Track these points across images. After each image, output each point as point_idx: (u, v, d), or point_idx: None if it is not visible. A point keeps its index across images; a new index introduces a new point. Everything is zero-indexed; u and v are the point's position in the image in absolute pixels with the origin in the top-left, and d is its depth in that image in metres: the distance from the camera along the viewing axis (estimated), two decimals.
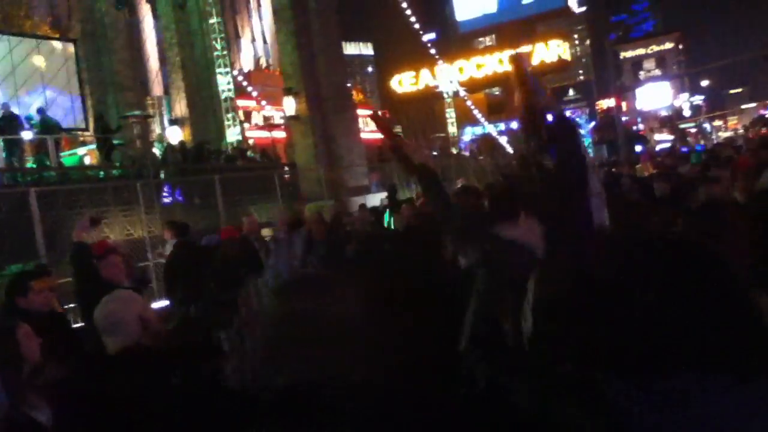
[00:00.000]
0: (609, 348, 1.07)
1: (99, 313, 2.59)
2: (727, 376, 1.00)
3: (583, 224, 1.90)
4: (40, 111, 15.93)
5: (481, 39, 61.27)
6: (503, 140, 40.86)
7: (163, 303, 8.17)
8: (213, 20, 23.34)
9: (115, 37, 20.04)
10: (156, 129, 23.26)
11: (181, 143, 19.55)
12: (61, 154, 16.25)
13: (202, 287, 3.51)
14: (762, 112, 70.87)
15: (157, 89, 24.76)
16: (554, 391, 1.17)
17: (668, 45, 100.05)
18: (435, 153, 34.52)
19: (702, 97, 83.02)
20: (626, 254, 1.16)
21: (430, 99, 45.14)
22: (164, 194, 14.16)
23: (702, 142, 52.81)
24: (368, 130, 33.38)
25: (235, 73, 25.77)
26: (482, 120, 41.20)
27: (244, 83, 26.25)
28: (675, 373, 1.02)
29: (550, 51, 42.64)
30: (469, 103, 39.92)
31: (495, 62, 43.80)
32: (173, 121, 23.41)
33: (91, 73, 20.36)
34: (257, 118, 27.53)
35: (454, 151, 37.70)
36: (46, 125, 15.21)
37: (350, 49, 68.26)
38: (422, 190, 3.99)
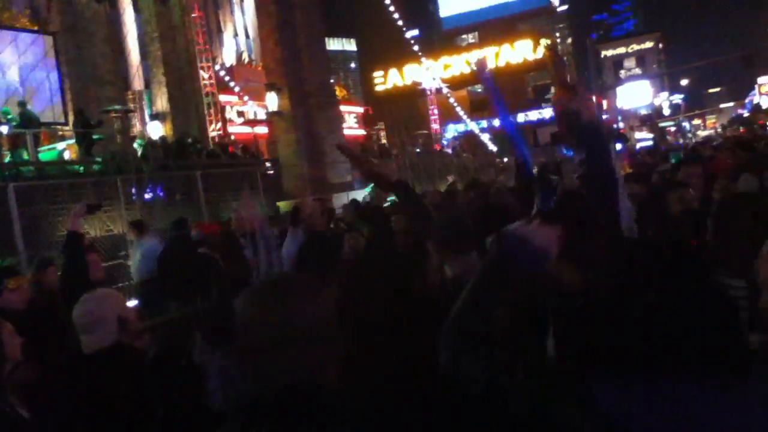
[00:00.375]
0: (609, 348, 1.08)
1: (78, 311, 2.55)
2: (725, 377, 1.01)
3: (611, 221, 1.94)
4: (21, 104, 15.68)
5: (464, 36, 61.46)
6: (485, 138, 40.97)
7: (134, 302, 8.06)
8: (195, 14, 23.12)
9: (96, 30, 19.76)
10: (137, 124, 23.00)
11: (162, 138, 19.36)
12: (40, 148, 16.01)
13: (200, 284, 3.47)
14: (740, 111, 71.83)
15: (137, 84, 24.49)
16: (554, 391, 1.17)
17: (648, 44, 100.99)
18: (418, 150, 34.55)
19: (681, 96, 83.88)
20: (627, 259, 1.17)
21: (413, 95, 45.15)
22: (145, 190, 14.04)
23: (681, 141, 53.34)
24: (350, 127, 33.34)
25: (217, 68, 25.55)
26: (465, 117, 41.29)
27: (227, 78, 26.03)
28: (674, 374, 1.03)
29: (516, 51, 43.57)
30: (451, 100, 39.98)
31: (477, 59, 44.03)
32: (154, 116, 23.18)
33: (70, 66, 20.06)
34: (231, 113, 27.20)
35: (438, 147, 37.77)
36: (26, 119, 14.98)
37: (333, 44, 68.00)
38: (401, 205, 3.98)
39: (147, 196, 14.07)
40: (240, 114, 27.31)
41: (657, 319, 1.09)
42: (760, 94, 72.14)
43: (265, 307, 1.28)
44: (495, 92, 2.54)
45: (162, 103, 23.15)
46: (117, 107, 18.28)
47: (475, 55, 44.70)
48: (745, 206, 2.44)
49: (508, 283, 1.31)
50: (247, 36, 32.02)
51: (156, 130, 21.43)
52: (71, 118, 18.97)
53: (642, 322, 1.09)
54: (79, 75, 19.77)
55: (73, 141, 16.86)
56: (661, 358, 1.07)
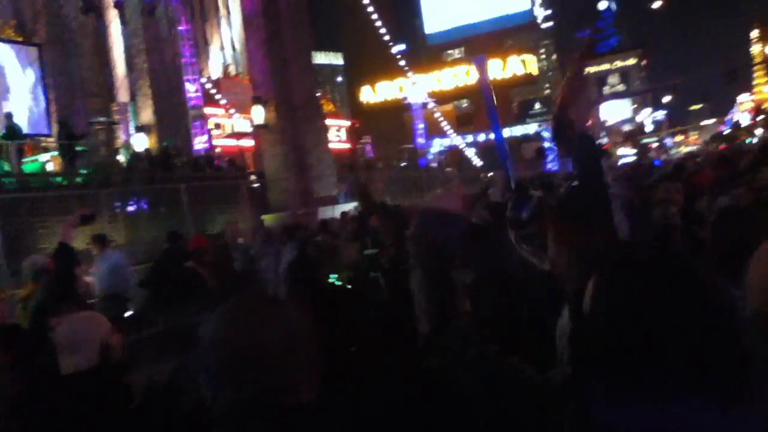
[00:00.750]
0: (607, 352, 1.07)
1: (62, 330, 2.48)
2: (725, 387, 1.01)
3: (607, 238, 1.91)
4: (8, 117, 15.52)
5: (450, 51, 61.92)
6: (471, 152, 41.18)
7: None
8: (182, 27, 23.08)
9: (82, 42, 19.68)
10: (121, 136, 22.85)
11: (147, 151, 19.23)
12: (23, 160, 15.85)
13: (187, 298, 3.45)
14: (721, 128, 72.86)
15: (123, 95, 24.35)
16: (550, 397, 1.17)
17: (632, 61, 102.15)
18: (404, 164, 34.65)
19: (664, 112, 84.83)
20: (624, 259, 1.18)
21: (400, 110, 45.34)
22: (130, 203, 13.93)
23: (662, 157, 53.97)
24: (337, 140, 33.35)
25: (204, 80, 25.48)
26: (450, 132, 41.48)
27: (213, 91, 25.96)
28: (671, 374, 1.02)
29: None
30: (437, 114, 40.17)
31: (463, 74, 44.23)
32: (140, 128, 23.03)
33: (56, 77, 19.93)
34: (210, 125, 26.90)
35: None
36: (12, 132, 14.83)
37: (320, 58, 68.20)
38: (385, 231, 4.10)
39: (131, 208, 13.96)
40: (217, 126, 27.09)
41: (654, 322, 1.07)
42: (740, 111, 73.26)
43: (235, 323, 1.37)
44: (489, 93, 2.55)
45: (147, 115, 23.00)
46: (102, 119, 18.16)
47: (460, 70, 44.96)
48: (744, 217, 2.44)
49: (437, 253, 1.39)
50: (234, 49, 32.01)
51: (141, 143, 21.27)
52: (55, 130, 18.83)
53: (640, 324, 1.08)
54: (65, 86, 19.66)
55: (56, 153, 16.71)
56: (659, 363, 1.06)
